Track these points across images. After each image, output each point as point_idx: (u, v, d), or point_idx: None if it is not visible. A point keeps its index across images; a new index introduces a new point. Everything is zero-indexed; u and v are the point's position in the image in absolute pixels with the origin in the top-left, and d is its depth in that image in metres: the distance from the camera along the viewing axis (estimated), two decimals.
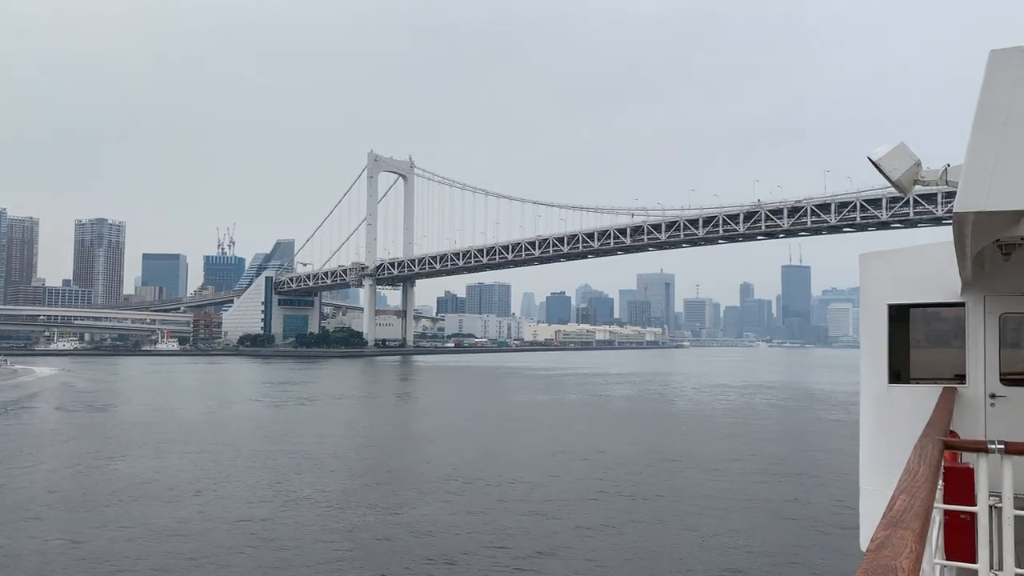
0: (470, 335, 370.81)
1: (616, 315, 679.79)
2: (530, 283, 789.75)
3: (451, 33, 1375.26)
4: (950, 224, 6.89)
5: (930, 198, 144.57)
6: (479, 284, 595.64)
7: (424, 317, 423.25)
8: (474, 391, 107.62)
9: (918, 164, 9.01)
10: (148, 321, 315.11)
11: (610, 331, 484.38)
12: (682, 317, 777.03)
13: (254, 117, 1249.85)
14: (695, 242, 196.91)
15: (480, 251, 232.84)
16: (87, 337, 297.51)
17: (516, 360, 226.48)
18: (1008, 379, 11.20)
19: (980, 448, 5.59)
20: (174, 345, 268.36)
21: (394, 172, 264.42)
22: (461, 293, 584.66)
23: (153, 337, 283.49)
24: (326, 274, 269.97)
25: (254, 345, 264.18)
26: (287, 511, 31.70)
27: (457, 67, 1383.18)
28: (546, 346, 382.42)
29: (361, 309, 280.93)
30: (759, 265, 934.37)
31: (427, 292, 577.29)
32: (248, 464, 42.98)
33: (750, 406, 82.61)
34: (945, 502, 5.69)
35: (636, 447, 50.74)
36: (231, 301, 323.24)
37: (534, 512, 31.66)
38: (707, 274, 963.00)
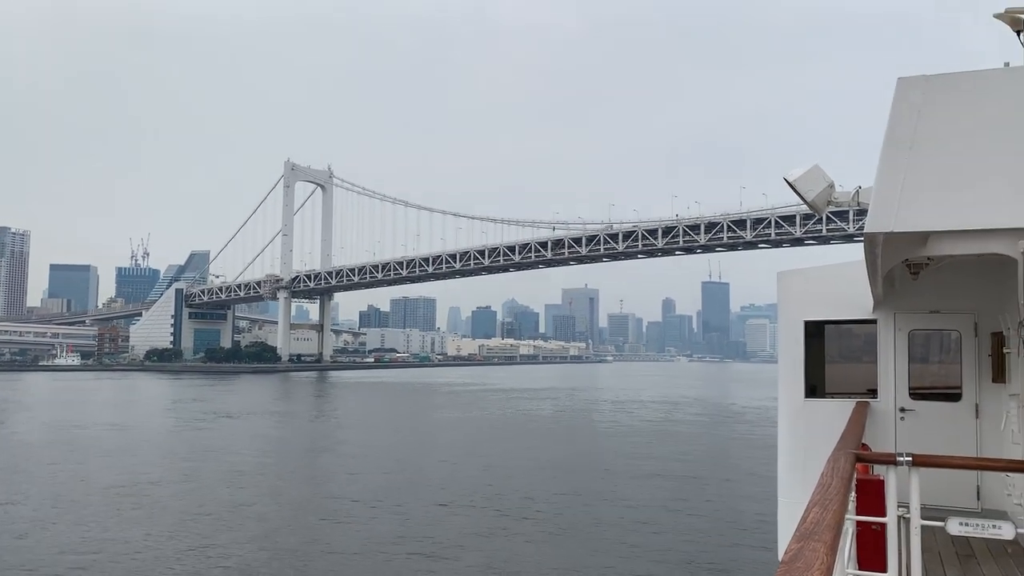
0: (392, 350, 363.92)
1: (542, 330, 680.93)
2: (456, 297, 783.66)
3: (375, 43, 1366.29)
4: (862, 241, 7.06)
5: (842, 215, 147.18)
6: (404, 298, 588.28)
7: (345, 331, 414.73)
8: (385, 409, 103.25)
9: (831, 186, 9.14)
10: (50, 335, 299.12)
11: (534, 345, 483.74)
12: (606, 332, 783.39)
13: (170, 122, 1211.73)
14: (615, 256, 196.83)
15: (400, 263, 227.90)
16: None
17: (437, 375, 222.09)
18: (917, 393, 11.71)
19: (889, 460, 5.90)
20: (75, 360, 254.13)
21: (312, 182, 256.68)
22: (385, 307, 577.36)
23: (53, 351, 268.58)
24: (239, 286, 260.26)
25: (161, 360, 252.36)
26: (180, 537, 28.68)
27: (380, 78, 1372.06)
28: (469, 361, 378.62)
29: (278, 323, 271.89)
30: (680, 281, 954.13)
31: (350, 306, 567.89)
32: (135, 490, 38.42)
33: (667, 422, 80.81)
34: (858, 513, 5.88)
35: (546, 465, 48.27)
36: (140, 314, 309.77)
37: (441, 539, 28.77)
38: (631, 289, 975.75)
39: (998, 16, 7.79)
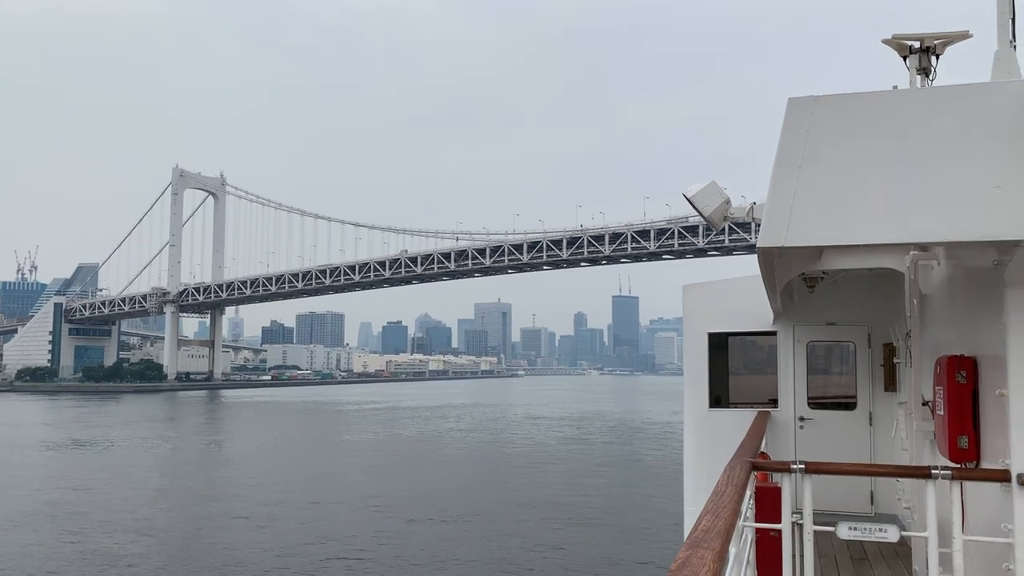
0: (294, 367, 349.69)
1: (454, 344, 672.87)
2: (368, 312, 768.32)
3: (283, 50, 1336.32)
4: None
5: (744, 226, 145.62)
6: (310, 314, 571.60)
7: (245, 348, 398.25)
8: (272, 431, 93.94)
9: (727, 202, 9.43)
10: None
11: (444, 360, 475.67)
12: (519, 346, 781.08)
13: (55, 127, 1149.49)
14: (520, 268, 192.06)
15: (295, 275, 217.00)
16: None
17: (339, 393, 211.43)
18: (815, 403, 12.23)
19: (784, 468, 6.20)
20: None
21: (203, 189, 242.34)
22: (290, 323, 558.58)
23: None
24: (124, 300, 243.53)
25: (33, 379, 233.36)
26: None
27: (285, 83, 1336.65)
28: (376, 377, 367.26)
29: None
30: (592, 295, 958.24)
31: (254, 322, 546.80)
32: None
33: (572, 441, 76.97)
34: (757, 521, 6.16)
35: (437, 492, 44.61)
36: (16, 331, 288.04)
37: None
38: (543, 304, 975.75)
39: (886, 41, 8.21)
